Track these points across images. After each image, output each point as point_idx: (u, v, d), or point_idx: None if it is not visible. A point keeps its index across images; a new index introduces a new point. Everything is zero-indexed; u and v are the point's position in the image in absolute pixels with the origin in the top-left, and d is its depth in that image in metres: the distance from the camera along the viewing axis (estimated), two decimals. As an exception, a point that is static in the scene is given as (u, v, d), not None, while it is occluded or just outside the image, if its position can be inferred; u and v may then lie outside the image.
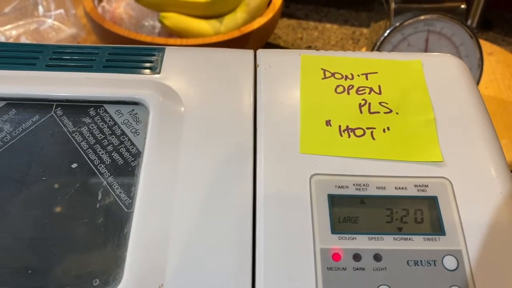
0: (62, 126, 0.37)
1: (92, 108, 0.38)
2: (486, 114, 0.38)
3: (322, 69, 0.41)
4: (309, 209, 0.33)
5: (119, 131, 0.36)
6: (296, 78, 0.40)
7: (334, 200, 0.33)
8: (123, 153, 0.35)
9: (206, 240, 0.31)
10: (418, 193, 0.34)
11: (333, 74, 0.40)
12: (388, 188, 0.34)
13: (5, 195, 0.33)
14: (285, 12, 0.95)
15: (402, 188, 0.34)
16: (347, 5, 0.99)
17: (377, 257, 0.31)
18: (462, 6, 0.66)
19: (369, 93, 0.39)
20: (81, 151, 0.35)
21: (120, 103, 0.38)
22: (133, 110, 0.37)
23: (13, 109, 0.37)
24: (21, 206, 0.33)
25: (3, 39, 0.81)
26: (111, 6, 0.77)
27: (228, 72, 0.40)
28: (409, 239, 0.32)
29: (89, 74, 0.39)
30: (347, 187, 0.34)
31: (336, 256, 0.31)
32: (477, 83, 0.68)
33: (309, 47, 0.89)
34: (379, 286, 0.30)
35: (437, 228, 0.32)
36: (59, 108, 0.37)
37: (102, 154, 0.35)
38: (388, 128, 0.37)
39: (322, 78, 0.40)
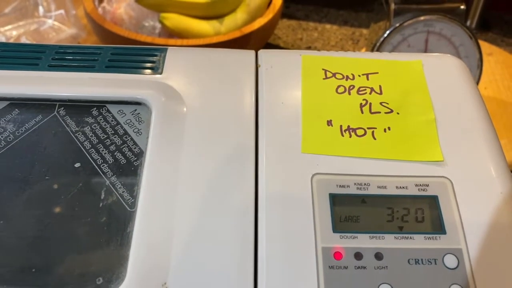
0: (65, 126, 0.37)
1: (95, 108, 0.38)
2: (486, 114, 0.38)
3: (323, 69, 0.41)
4: (311, 208, 0.33)
5: (121, 131, 0.37)
6: (297, 78, 0.40)
7: (336, 199, 0.33)
8: (125, 152, 0.35)
9: (208, 238, 0.31)
10: (418, 193, 0.34)
11: (334, 74, 0.40)
12: (389, 188, 0.34)
13: (8, 194, 0.34)
14: (285, 12, 0.95)
15: (403, 187, 0.34)
16: (347, 6, 0.99)
17: (378, 256, 0.31)
18: (462, 7, 0.67)
19: (370, 93, 0.39)
20: (84, 151, 0.36)
21: (122, 103, 0.38)
22: (136, 110, 0.38)
23: (16, 109, 0.37)
24: (25, 205, 0.33)
25: (3, 40, 0.81)
26: (112, 7, 0.77)
27: (229, 72, 0.40)
28: (410, 238, 0.32)
29: (92, 74, 0.39)
30: (348, 186, 0.34)
31: (337, 255, 0.31)
32: (477, 83, 0.68)
33: (309, 48, 0.90)
34: (380, 284, 0.30)
35: (438, 227, 0.32)
36: (62, 108, 0.38)
37: (105, 153, 0.35)
38: (389, 128, 0.37)
39: (323, 78, 0.40)
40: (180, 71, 0.40)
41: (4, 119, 0.37)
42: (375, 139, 0.36)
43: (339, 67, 0.41)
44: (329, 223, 0.32)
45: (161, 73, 0.40)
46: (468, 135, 0.37)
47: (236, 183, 0.34)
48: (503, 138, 0.70)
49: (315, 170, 0.35)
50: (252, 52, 0.42)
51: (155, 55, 0.41)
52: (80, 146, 0.36)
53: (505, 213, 0.33)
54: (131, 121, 0.37)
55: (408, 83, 0.40)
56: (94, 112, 0.38)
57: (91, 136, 0.36)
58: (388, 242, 0.32)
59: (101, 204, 0.33)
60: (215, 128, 0.37)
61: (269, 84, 0.40)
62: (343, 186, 0.34)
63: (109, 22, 0.72)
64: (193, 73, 0.40)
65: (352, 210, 0.33)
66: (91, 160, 0.35)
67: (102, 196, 0.34)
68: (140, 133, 0.36)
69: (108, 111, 0.38)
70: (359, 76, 0.40)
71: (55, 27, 0.84)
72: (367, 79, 0.40)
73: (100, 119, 0.37)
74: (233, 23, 0.75)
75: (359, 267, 0.31)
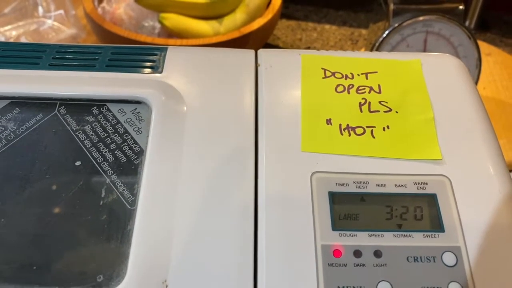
0: (66, 124, 0.37)
1: (95, 107, 0.38)
2: (484, 113, 0.39)
3: (322, 68, 0.41)
4: (310, 206, 0.33)
5: (122, 130, 0.37)
6: (297, 77, 0.40)
7: (335, 198, 0.33)
8: (126, 151, 0.36)
9: (208, 235, 0.32)
10: (417, 191, 0.34)
11: (333, 74, 0.41)
12: (388, 186, 0.34)
13: (10, 192, 0.34)
14: (284, 13, 0.95)
15: (402, 185, 0.34)
16: (346, 6, 0.99)
17: (377, 254, 0.31)
18: (460, 7, 0.67)
19: (369, 92, 0.39)
20: (85, 149, 0.36)
21: (123, 102, 0.38)
22: (136, 109, 0.38)
23: (17, 108, 0.38)
24: (26, 203, 0.33)
25: (3, 40, 0.81)
26: (111, 7, 0.77)
27: (229, 72, 0.40)
28: (409, 235, 0.32)
29: (92, 73, 0.39)
30: (347, 184, 0.34)
31: (337, 253, 0.31)
32: (475, 83, 0.69)
33: (308, 48, 0.90)
34: (379, 282, 0.30)
35: (437, 225, 0.33)
36: (63, 106, 0.38)
37: (105, 152, 0.36)
38: (388, 127, 0.37)
39: (323, 78, 0.40)
40: (180, 70, 0.40)
41: (5, 118, 0.37)
42: (374, 137, 0.37)
43: (338, 66, 0.41)
44: (328, 221, 0.32)
45: (161, 72, 0.40)
46: (466, 134, 0.37)
47: (236, 181, 0.34)
48: (502, 138, 0.70)
49: (315, 169, 0.35)
50: (252, 52, 0.42)
51: (155, 55, 0.41)
52: (81, 144, 0.36)
53: (503, 211, 0.33)
54: (131, 120, 0.37)
55: (407, 82, 0.40)
56: (95, 111, 0.38)
57: (92, 134, 0.36)
58: (387, 240, 0.32)
59: (101, 202, 0.33)
60: (215, 127, 0.37)
61: (269, 83, 0.40)
62: (343, 185, 0.34)
63: (108, 22, 0.72)
64: (193, 72, 0.40)
65: (351, 208, 0.33)
66: (92, 159, 0.35)
67: (103, 194, 0.34)
68: (140, 131, 0.37)
69: (108, 110, 0.38)
70: (358, 75, 0.41)
71: (54, 27, 0.84)
72: (366, 78, 0.40)
73: (101, 118, 0.37)
74: (232, 23, 0.75)
75: (358, 265, 0.31)
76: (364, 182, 0.34)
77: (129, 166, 0.35)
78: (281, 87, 0.40)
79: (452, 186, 0.34)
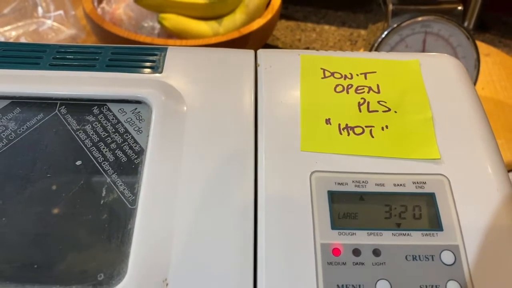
0: (66, 124, 0.37)
1: (96, 107, 0.38)
2: (482, 113, 0.39)
3: (321, 68, 0.41)
4: (310, 205, 0.33)
5: (122, 129, 0.37)
6: (296, 77, 0.41)
7: (334, 197, 0.34)
8: (126, 150, 0.36)
9: (208, 234, 0.32)
10: (416, 190, 0.34)
11: (332, 74, 0.41)
12: (387, 185, 0.34)
13: (11, 191, 0.34)
14: (284, 13, 0.96)
15: (401, 185, 0.34)
16: (345, 7, 1.00)
17: (376, 252, 0.32)
18: (459, 7, 0.67)
19: (368, 92, 0.40)
20: (85, 149, 0.36)
21: (123, 101, 0.38)
22: (136, 108, 0.38)
23: (18, 108, 0.38)
24: (27, 202, 0.33)
25: (2, 40, 0.81)
26: (111, 7, 0.77)
27: (229, 72, 0.41)
28: (408, 234, 0.32)
29: (93, 73, 0.40)
30: (346, 184, 0.34)
31: (336, 251, 0.31)
32: (474, 84, 0.69)
33: (307, 49, 0.90)
34: (378, 280, 0.31)
35: (435, 224, 0.33)
36: (63, 106, 0.38)
37: (105, 151, 0.36)
38: (386, 126, 0.37)
39: (322, 78, 0.41)
40: (180, 70, 0.40)
41: (6, 118, 0.37)
42: (373, 137, 0.37)
43: (337, 66, 0.42)
44: (327, 220, 0.33)
45: (161, 72, 0.40)
46: (465, 134, 0.37)
47: (236, 180, 0.34)
48: (500, 138, 0.70)
49: (314, 168, 0.35)
50: (252, 52, 0.43)
51: (155, 55, 0.42)
52: (81, 144, 0.36)
53: (501, 210, 0.34)
54: (131, 119, 0.37)
55: (406, 82, 0.40)
56: (95, 110, 0.38)
57: (92, 134, 0.37)
58: (386, 238, 0.32)
59: (102, 202, 0.34)
60: (215, 126, 0.37)
61: (268, 83, 0.40)
62: (342, 184, 0.34)
63: (108, 23, 0.73)
64: (193, 72, 0.40)
65: (350, 207, 0.33)
66: (92, 158, 0.35)
67: (103, 194, 0.34)
68: (140, 131, 0.37)
69: (108, 109, 0.38)
70: (357, 75, 0.41)
71: (54, 27, 0.84)
72: (365, 78, 0.41)
73: (101, 118, 0.37)
74: (232, 23, 0.76)
75: (357, 263, 0.31)
76: (363, 182, 0.34)
77: (130, 166, 0.35)
78: (281, 87, 0.40)
79: (450, 185, 0.34)
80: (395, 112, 0.38)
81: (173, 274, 0.31)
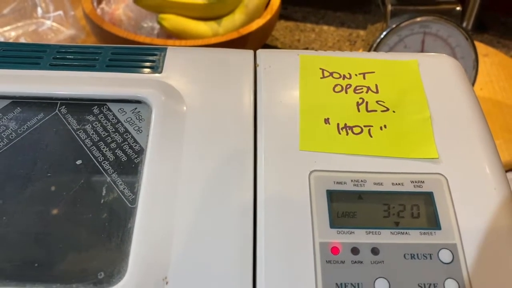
0: (67, 124, 0.37)
1: (96, 107, 0.38)
2: (480, 112, 0.39)
3: (320, 68, 0.41)
4: (309, 204, 0.33)
5: (122, 129, 0.37)
6: (295, 77, 0.41)
7: (333, 196, 0.34)
8: (126, 150, 0.36)
9: (208, 233, 0.32)
10: (414, 189, 0.34)
11: (331, 74, 0.41)
12: (385, 184, 0.35)
13: (11, 191, 0.34)
14: (283, 14, 0.96)
15: (399, 184, 0.35)
16: (344, 7, 1.00)
17: (374, 251, 0.32)
18: (458, 8, 0.67)
19: (367, 92, 0.40)
20: (85, 148, 0.36)
21: (123, 101, 0.38)
22: (136, 108, 0.38)
23: (18, 107, 0.38)
24: (27, 202, 0.34)
25: (2, 40, 0.81)
26: (110, 8, 0.78)
27: (229, 72, 0.41)
28: (406, 233, 0.33)
29: (93, 73, 0.40)
30: (345, 183, 0.34)
31: (334, 250, 0.32)
32: (472, 84, 0.69)
33: (306, 49, 0.90)
34: (376, 278, 0.31)
35: (433, 223, 0.33)
36: (63, 106, 0.38)
37: (106, 151, 0.36)
38: (385, 126, 0.38)
39: (321, 78, 0.41)
40: (180, 70, 0.41)
41: (6, 117, 0.37)
42: (371, 136, 0.37)
43: (336, 66, 0.42)
44: (326, 219, 0.33)
45: (161, 72, 0.40)
46: (463, 134, 0.38)
47: (235, 179, 0.34)
48: (499, 138, 0.70)
49: (313, 167, 0.35)
50: (251, 52, 0.43)
51: (155, 55, 0.42)
52: (81, 143, 0.36)
53: (499, 210, 0.34)
54: (131, 119, 0.38)
55: (404, 82, 0.41)
56: (95, 110, 0.38)
57: (92, 134, 0.37)
58: (384, 237, 0.32)
59: (102, 201, 0.34)
60: (214, 126, 0.37)
61: (268, 83, 0.40)
62: (340, 183, 0.34)
63: (107, 23, 0.73)
64: (192, 72, 0.41)
65: (349, 206, 0.34)
66: (92, 158, 0.36)
67: (103, 193, 0.34)
68: (140, 131, 0.37)
69: (108, 109, 0.38)
70: (356, 75, 0.41)
71: (53, 28, 0.84)
72: (364, 78, 0.41)
73: (101, 117, 0.38)
74: (231, 24, 0.76)
75: (356, 262, 0.31)
76: (361, 181, 0.35)
77: (130, 165, 0.35)
78: (280, 87, 0.40)
79: (448, 184, 0.35)
80: (394, 112, 0.39)
81: (173, 273, 0.31)
